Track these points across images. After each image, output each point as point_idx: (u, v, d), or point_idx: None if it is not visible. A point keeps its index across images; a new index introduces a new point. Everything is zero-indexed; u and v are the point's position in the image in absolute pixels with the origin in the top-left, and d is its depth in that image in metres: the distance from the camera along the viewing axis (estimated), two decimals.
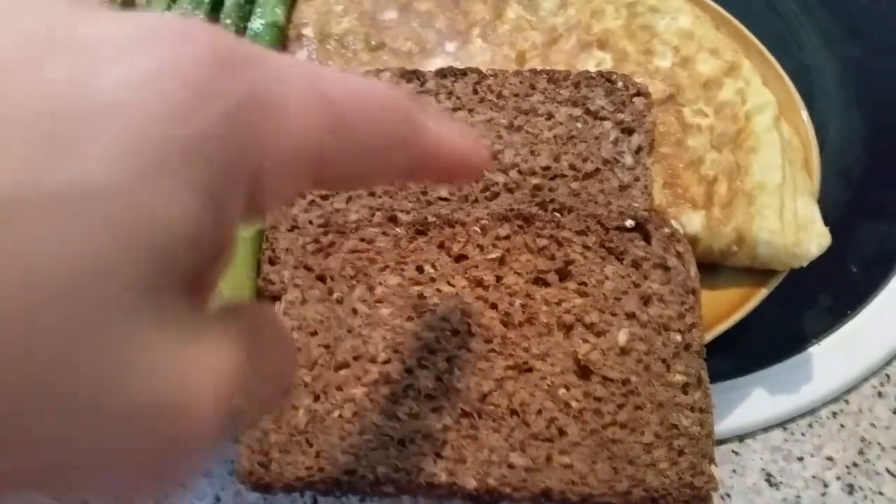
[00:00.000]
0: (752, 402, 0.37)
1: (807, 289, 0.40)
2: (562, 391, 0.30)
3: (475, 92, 0.38)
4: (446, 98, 0.38)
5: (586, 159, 0.36)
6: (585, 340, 0.31)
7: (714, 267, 0.37)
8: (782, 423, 0.38)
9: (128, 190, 0.12)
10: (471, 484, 0.27)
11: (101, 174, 0.12)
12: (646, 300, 0.32)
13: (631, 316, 0.31)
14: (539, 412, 0.29)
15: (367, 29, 0.41)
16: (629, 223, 0.34)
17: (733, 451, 0.37)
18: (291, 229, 0.34)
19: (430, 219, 0.35)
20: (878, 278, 0.40)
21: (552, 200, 0.36)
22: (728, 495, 0.36)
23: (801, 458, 0.37)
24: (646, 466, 0.29)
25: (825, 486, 0.36)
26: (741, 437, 0.37)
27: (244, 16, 0.40)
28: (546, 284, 0.32)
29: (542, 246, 0.33)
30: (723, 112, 0.39)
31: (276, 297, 0.33)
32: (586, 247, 0.33)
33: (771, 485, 0.36)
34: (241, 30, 0.40)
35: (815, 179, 0.38)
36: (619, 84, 0.38)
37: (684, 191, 0.37)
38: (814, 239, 0.34)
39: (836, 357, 0.39)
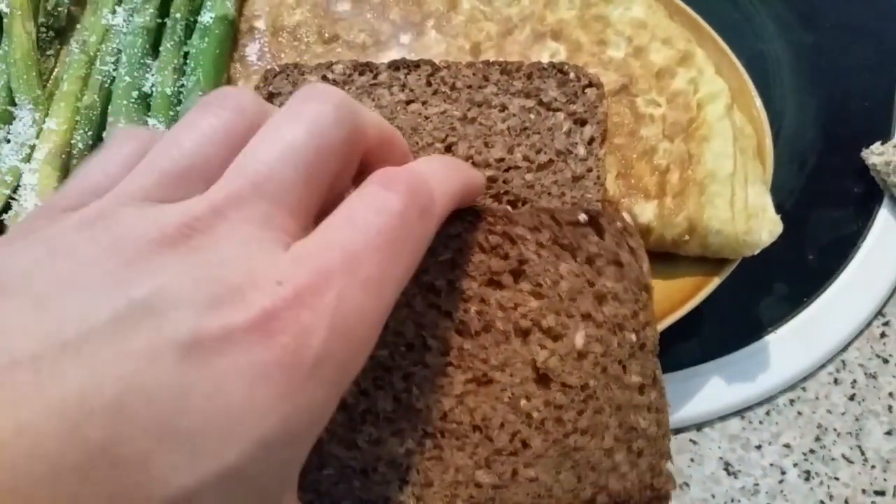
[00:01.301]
0: (710, 390, 0.37)
1: (763, 277, 0.40)
2: (523, 402, 0.29)
3: (428, 84, 0.38)
4: (399, 90, 0.38)
5: (540, 150, 0.36)
6: (543, 346, 0.30)
7: (668, 256, 0.37)
8: (740, 412, 0.38)
9: None
10: None
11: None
12: (601, 299, 0.31)
13: (587, 317, 0.30)
14: (502, 426, 0.28)
15: (321, 21, 0.40)
16: (582, 217, 0.32)
17: (691, 441, 0.37)
18: None
19: None
20: (834, 265, 0.41)
21: (506, 192, 0.35)
22: (686, 485, 0.36)
23: (758, 447, 0.37)
24: (607, 472, 0.28)
25: (783, 473, 0.36)
26: (699, 426, 0.37)
27: (195, 9, 0.40)
28: (500, 287, 0.31)
29: (495, 244, 0.31)
30: (675, 101, 0.39)
31: None
32: (540, 244, 0.32)
33: (729, 473, 0.36)
34: (192, 24, 0.39)
35: (767, 167, 0.38)
36: (572, 75, 0.38)
37: (637, 181, 0.37)
38: (765, 227, 0.34)
39: (792, 344, 0.39)
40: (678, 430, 0.37)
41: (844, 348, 0.39)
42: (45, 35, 0.41)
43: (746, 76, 0.40)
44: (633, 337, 0.30)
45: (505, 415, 0.28)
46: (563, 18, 0.42)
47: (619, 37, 0.41)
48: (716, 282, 0.35)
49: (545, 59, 0.41)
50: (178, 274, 0.17)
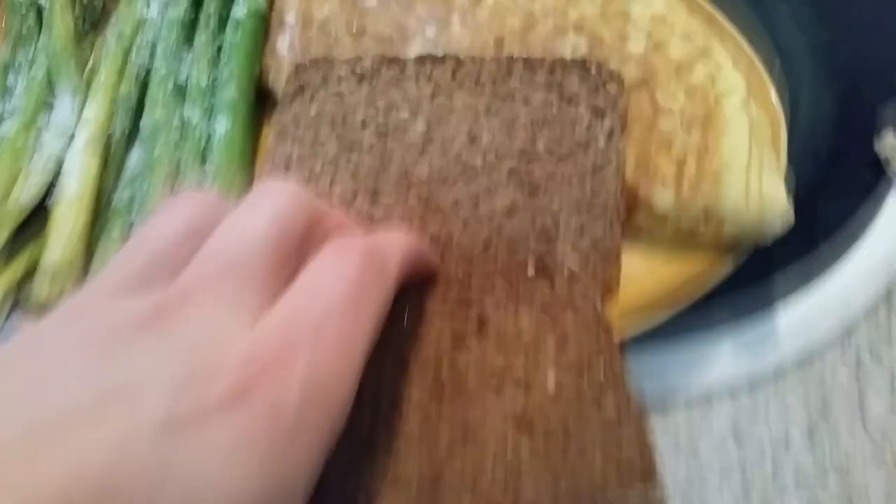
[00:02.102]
0: (719, 362, 0.39)
1: (776, 260, 0.41)
2: (509, 455, 0.29)
3: (453, 77, 0.40)
4: (426, 84, 0.39)
5: (561, 142, 0.38)
6: (517, 399, 0.30)
7: (683, 243, 0.38)
8: (748, 384, 0.39)
9: None
10: None
11: None
12: (562, 345, 0.31)
13: (554, 363, 0.31)
14: (493, 482, 0.29)
15: (349, 15, 0.42)
16: (531, 272, 0.33)
17: (700, 411, 0.39)
18: None
19: (412, 201, 0.36)
20: (843, 252, 0.42)
21: (529, 183, 0.37)
22: (696, 452, 0.38)
23: (764, 418, 0.39)
24: (602, 495, 0.29)
25: (787, 443, 0.38)
26: (708, 397, 0.39)
27: (227, 4, 0.41)
28: (466, 349, 0.31)
29: (452, 309, 0.32)
30: (694, 95, 0.41)
31: None
32: (496, 303, 0.32)
33: (737, 442, 0.38)
34: (224, 17, 0.41)
35: (782, 159, 0.39)
36: (593, 70, 0.39)
37: (655, 171, 0.39)
38: (777, 217, 0.36)
39: (801, 322, 0.40)
40: (688, 402, 0.39)
41: (851, 328, 0.41)
42: (81, 27, 0.42)
43: (763, 70, 0.42)
44: (601, 376, 0.30)
45: (494, 470, 0.29)
46: (584, 13, 0.43)
47: (639, 32, 0.42)
48: (729, 264, 0.37)
49: (567, 53, 0.42)
50: (149, 358, 0.18)
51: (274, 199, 0.23)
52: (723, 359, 0.39)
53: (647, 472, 0.29)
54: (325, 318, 0.21)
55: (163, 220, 0.23)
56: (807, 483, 0.37)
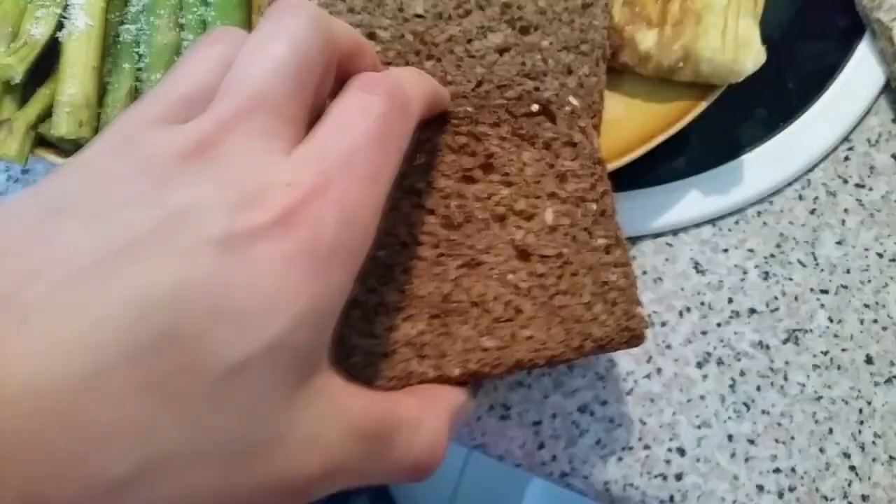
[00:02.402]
0: (688, 202, 0.43)
1: (746, 102, 0.44)
2: (510, 276, 0.33)
3: None
4: None
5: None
6: (519, 227, 0.34)
7: (662, 83, 0.41)
8: (712, 220, 0.43)
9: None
10: (455, 372, 0.31)
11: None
12: (562, 178, 0.35)
13: (552, 196, 0.35)
14: (495, 298, 0.33)
15: None
16: (535, 108, 0.36)
17: (667, 244, 0.43)
18: None
19: (408, 36, 0.38)
20: (811, 93, 0.45)
21: (520, 18, 0.39)
22: (660, 279, 0.42)
23: (725, 250, 0.43)
24: (590, 322, 0.33)
25: (744, 273, 0.43)
26: (675, 232, 0.43)
27: None
28: (474, 181, 0.35)
29: (462, 144, 0.35)
30: None
31: None
32: (502, 138, 0.35)
33: (698, 271, 0.43)
34: None
35: (759, 2, 0.41)
36: None
37: (641, 9, 0.41)
38: (750, 57, 0.38)
39: (765, 164, 0.44)
40: (657, 235, 0.43)
41: (811, 168, 0.44)
42: None
43: None
44: (594, 206, 0.35)
45: (497, 289, 0.33)
46: None
47: None
48: (702, 105, 0.40)
49: None
50: (202, 184, 0.20)
51: (293, 23, 0.24)
52: (690, 198, 0.43)
53: (629, 293, 0.34)
54: (353, 152, 0.23)
55: (198, 55, 0.24)
56: (759, 310, 0.42)
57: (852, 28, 0.46)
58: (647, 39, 0.40)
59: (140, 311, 0.18)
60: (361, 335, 0.32)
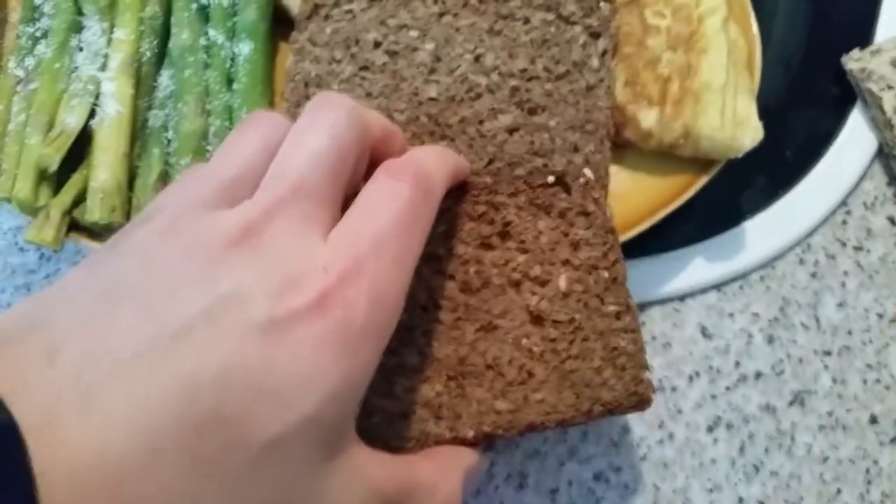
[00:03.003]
0: (693, 268, 0.44)
1: (746, 171, 0.46)
2: (524, 340, 0.35)
3: None
4: (433, 3, 0.42)
5: (558, 62, 0.41)
6: (533, 293, 0.36)
7: (665, 156, 0.43)
8: (717, 286, 0.45)
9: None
10: (469, 434, 0.33)
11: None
12: (575, 246, 0.37)
13: (566, 263, 0.36)
14: (510, 362, 0.35)
15: None
16: (551, 179, 0.38)
17: (674, 309, 0.45)
18: None
19: (423, 119, 0.40)
20: (808, 161, 0.47)
21: (528, 101, 0.41)
22: (669, 344, 0.44)
23: (731, 315, 0.44)
24: (599, 386, 0.34)
25: (750, 336, 0.44)
26: (681, 298, 0.45)
27: None
28: (491, 248, 0.37)
29: (481, 212, 0.37)
30: (679, 14, 0.44)
31: None
32: (519, 207, 0.37)
33: (705, 336, 0.44)
34: None
35: (755, 78, 0.43)
36: None
37: (642, 88, 0.43)
38: (748, 134, 0.40)
39: (766, 230, 0.45)
40: (664, 301, 0.45)
41: (810, 233, 0.46)
42: None
43: None
44: (606, 274, 0.36)
45: (511, 353, 0.35)
46: None
47: None
48: (704, 179, 0.42)
49: None
50: (246, 270, 0.22)
51: (332, 116, 0.26)
52: (695, 265, 0.44)
53: (638, 359, 0.35)
54: (384, 236, 0.25)
55: (241, 138, 0.26)
56: (765, 373, 0.43)
57: (845, 96, 0.48)
58: (648, 118, 0.42)
59: (190, 394, 0.20)
60: (382, 396, 0.34)
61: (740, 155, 0.41)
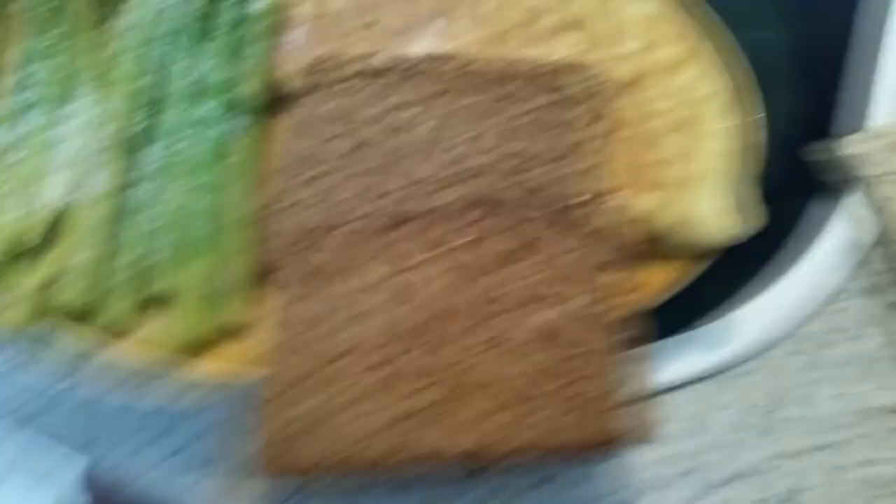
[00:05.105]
0: (685, 358, 0.43)
1: (740, 257, 0.45)
2: (537, 356, 0.35)
3: (460, 77, 0.42)
4: (434, 82, 0.42)
5: (558, 144, 0.41)
6: (551, 308, 0.36)
7: (657, 243, 0.42)
8: (711, 376, 0.44)
9: None
10: (468, 445, 0.33)
11: None
12: (596, 270, 0.37)
13: (587, 283, 0.36)
14: (517, 376, 0.34)
15: (359, 6, 0.43)
16: (579, 200, 0.38)
17: (666, 401, 0.43)
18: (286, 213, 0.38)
19: (416, 197, 0.39)
20: (801, 251, 0.46)
21: (528, 181, 0.40)
22: (660, 437, 0.43)
23: (725, 407, 0.43)
24: (603, 413, 0.34)
25: (743, 429, 0.43)
26: (672, 389, 0.44)
27: None
28: (516, 261, 0.37)
29: (511, 226, 0.37)
30: (680, 98, 0.43)
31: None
32: (549, 224, 0.37)
33: (698, 429, 0.43)
34: (243, 9, 0.42)
35: (754, 164, 0.42)
36: (589, 73, 0.42)
37: (642, 173, 0.42)
38: (746, 222, 0.40)
39: (761, 319, 0.45)
40: (656, 392, 0.43)
41: (805, 322, 0.45)
42: (100, 14, 0.43)
43: (746, 72, 0.44)
44: (621, 300, 0.36)
45: (522, 367, 0.34)
46: (583, 10, 0.45)
47: (633, 31, 0.44)
48: (701, 266, 0.41)
49: (566, 50, 0.44)
50: None
51: None
52: (688, 354, 0.43)
53: (642, 394, 0.35)
54: None
55: None
56: (759, 467, 0.42)
57: (839, 183, 0.48)
58: (647, 202, 0.41)
59: None
60: (385, 395, 0.33)
61: (737, 243, 0.40)
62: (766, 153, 0.46)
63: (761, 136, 0.43)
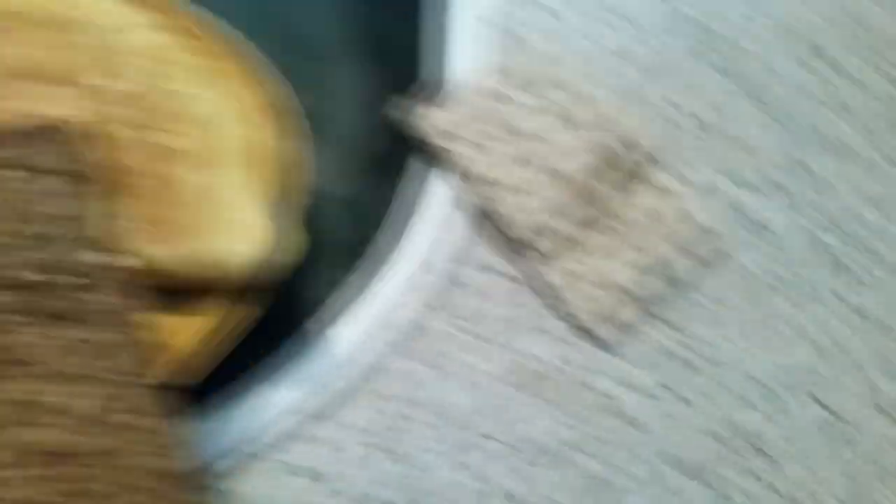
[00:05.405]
0: (280, 403, 0.38)
1: (324, 265, 0.41)
2: (42, 488, 0.28)
3: None
4: None
5: (32, 221, 0.34)
6: (52, 424, 0.29)
7: (202, 291, 0.36)
8: (316, 415, 0.38)
9: None
10: None
11: None
12: (101, 354, 0.31)
13: (88, 378, 0.30)
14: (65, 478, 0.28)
15: None
16: (36, 278, 0.32)
17: (278, 461, 0.37)
18: None
19: None
20: (397, 235, 0.42)
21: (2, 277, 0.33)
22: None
23: (340, 446, 0.38)
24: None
25: (368, 459, 0.38)
26: (276, 442, 0.37)
27: None
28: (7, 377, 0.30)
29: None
30: (196, 131, 0.38)
31: None
32: (29, 322, 0.31)
33: (317, 480, 0.37)
34: None
35: (291, 192, 0.38)
36: (67, 132, 0.36)
37: (157, 222, 0.36)
38: (258, 243, 0.35)
39: (358, 326, 0.40)
40: (256, 454, 0.37)
41: (411, 314, 0.41)
42: None
43: (278, 87, 0.39)
44: (141, 380, 0.30)
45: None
46: (73, 59, 0.39)
47: (137, 66, 0.39)
48: (247, 306, 0.35)
49: (51, 108, 0.38)
50: None
51: None
52: (282, 398, 0.38)
53: (189, 476, 0.29)
54: None
55: None
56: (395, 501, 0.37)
57: (418, 162, 0.44)
58: (164, 253, 0.35)
59: None
60: None
61: (270, 271, 0.35)
62: (326, 150, 0.41)
63: (307, 156, 0.39)
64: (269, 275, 0.35)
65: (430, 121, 0.43)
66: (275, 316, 0.39)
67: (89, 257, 0.34)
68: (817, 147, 0.44)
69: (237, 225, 0.35)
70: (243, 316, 0.36)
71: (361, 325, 0.40)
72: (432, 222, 0.42)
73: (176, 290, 0.36)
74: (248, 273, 0.35)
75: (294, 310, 0.40)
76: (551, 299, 0.40)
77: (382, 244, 0.42)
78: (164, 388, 0.31)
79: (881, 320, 0.41)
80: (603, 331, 0.39)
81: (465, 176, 0.42)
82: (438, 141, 0.43)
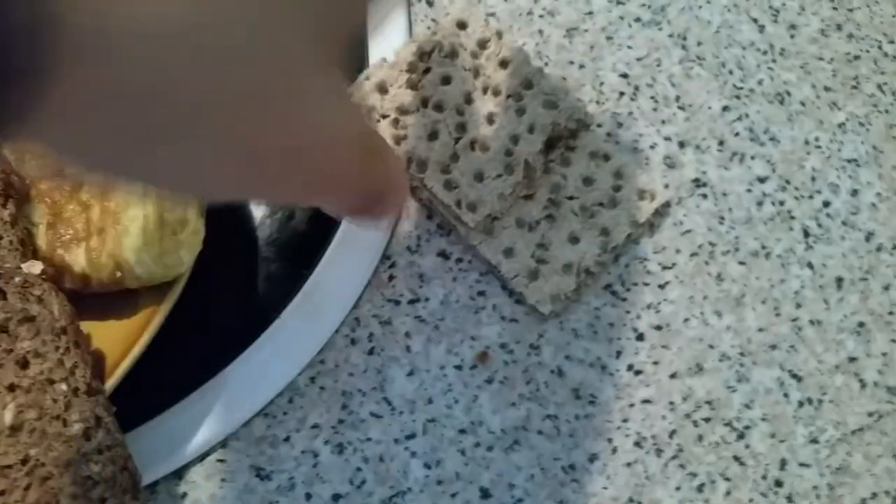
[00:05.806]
0: (225, 402, 0.36)
1: (253, 265, 0.39)
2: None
3: None
4: None
5: None
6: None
7: (127, 293, 0.35)
8: (262, 411, 0.37)
9: None
10: None
11: None
12: (23, 363, 0.30)
13: (12, 388, 0.29)
14: None
15: None
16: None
17: (218, 460, 0.36)
18: None
19: None
20: (327, 227, 0.40)
21: None
22: None
23: (287, 439, 0.37)
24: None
25: (315, 455, 0.36)
26: (223, 443, 0.36)
27: None
28: None
29: None
30: None
31: None
32: None
33: (262, 478, 0.36)
34: None
35: None
36: None
37: (66, 228, 0.35)
38: (185, 243, 0.33)
39: (299, 322, 0.38)
40: (204, 456, 0.36)
41: (356, 305, 0.39)
42: None
43: None
44: (64, 386, 0.30)
45: None
46: None
47: None
48: (166, 306, 0.34)
49: None
50: None
51: None
52: (229, 399, 0.36)
53: (121, 483, 0.29)
54: None
55: None
56: (343, 491, 0.36)
57: None
58: (79, 259, 0.34)
59: None
60: None
61: (183, 271, 0.33)
62: None
63: None
64: (176, 273, 0.34)
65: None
66: (213, 317, 0.37)
67: (9, 263, 0.32)
68: (760, 98, 0.42)
69: (145, 225, 0.33)
70: (164, 317, 0.34)
71: (307, 316, 0.38)
72: None
73: (94, 294, 0.35)
74: (171, 273, 0.34)
75: (236, 308, 0.39)
76: (491, 276, 0.39)
77: (314, 231, 0.40)
78: (89, 393, 0.30)
79: (834, 274, 0.40)
80: (547, 305, 0.37)
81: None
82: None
